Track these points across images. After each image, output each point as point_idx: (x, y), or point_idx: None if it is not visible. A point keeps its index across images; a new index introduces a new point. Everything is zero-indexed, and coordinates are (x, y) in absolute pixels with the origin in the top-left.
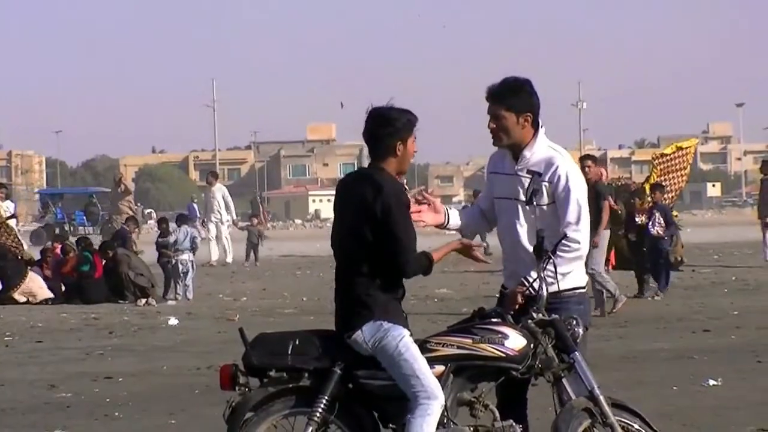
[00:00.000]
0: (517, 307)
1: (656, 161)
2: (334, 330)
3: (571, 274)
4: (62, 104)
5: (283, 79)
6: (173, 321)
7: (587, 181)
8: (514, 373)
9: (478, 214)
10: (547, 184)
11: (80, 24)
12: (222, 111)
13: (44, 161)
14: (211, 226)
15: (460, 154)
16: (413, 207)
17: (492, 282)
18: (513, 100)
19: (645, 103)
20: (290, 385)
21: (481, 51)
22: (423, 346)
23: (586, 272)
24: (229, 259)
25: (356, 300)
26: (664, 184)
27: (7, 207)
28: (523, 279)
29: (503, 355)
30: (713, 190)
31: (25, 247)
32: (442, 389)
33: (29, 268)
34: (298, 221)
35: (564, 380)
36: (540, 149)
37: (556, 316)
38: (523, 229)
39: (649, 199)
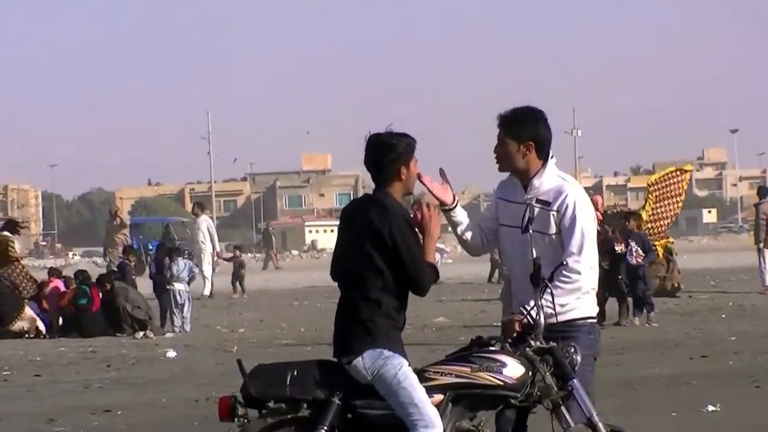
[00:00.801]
0: (515, 335)
1: (651, 188)
2: (332, 360)
3: (578, 304)
4: (57, 137)
5: (278, 110)
6: (171, 353)
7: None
8: (512, 401)
9: (477, 228)
10: (554, 213)
11: (73, 56)
12: (217, 142)
13: (40, 195)
14: (205, 258)
15: (455, 182)
16: (425, 177)
17: (489, 311)
18: (515, 127)
19: (640, 130)
20: (289, 416)
21: (475, 78)
22: (421, 375)
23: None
24: (206, 292)
25: (360, 325)
26: (660, 210)
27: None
28: (521, 308)
29: (502, 383)
30: (709, 216)
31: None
32: (441, 418)
33: (26, 301)
34: (295, 252)
35: (562, 407)
36: (549, 179)
37: (554, 344)
38: (531, 255)
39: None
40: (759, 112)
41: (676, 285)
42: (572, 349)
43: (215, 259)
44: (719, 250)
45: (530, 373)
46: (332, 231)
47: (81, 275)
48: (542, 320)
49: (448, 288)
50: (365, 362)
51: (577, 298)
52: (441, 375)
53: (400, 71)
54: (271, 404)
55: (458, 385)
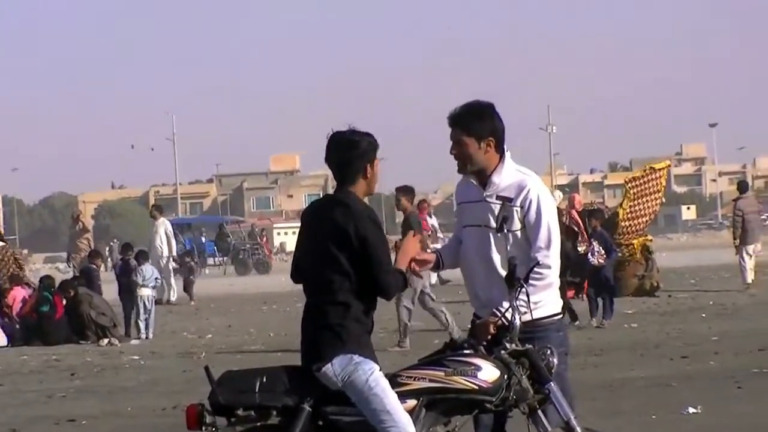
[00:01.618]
0: (489, 337)
1: (629, 185)
2: (302, 366)
3: (547, 300)
4: (18, 141)
5: (245, 110)
6: (137, 360)
7: (403, 212)
8: (488, 405)
9: (457, 246)
10: (518, 208)
11: (33, 57)
12: (182, 144)
13: (1, 200)
14: (164, 263)
15: (427, 182)
16: (417, 263)
17: (464, 312)
18: (474, 124)
19: (616, 126)
20: (258, 424)
21: (445, 74)
22: (394, 380)
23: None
24: (172, 298)
25: (328, 330)
26: (638, 208)
27: None
28: (494, 309)
29: (476, 387)
30: (688, 213)
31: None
32: (414, 424)
33: None
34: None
35: (539, 411)
36: (508, 174)
37: (530, 346)
38: (497, 257)
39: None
40: (738, 105)
41: (655, 284)
42: (548, 351)
43: (170, 264)
44: (699, 247)
45: (506, 376)
46: None
47: (45, 281)
48: (518, 322)
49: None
50: (335, 369)
51: (548, 293)
52: (414, 380)
53: (372, 69)
54: (240, 412)
55: (432, 390)
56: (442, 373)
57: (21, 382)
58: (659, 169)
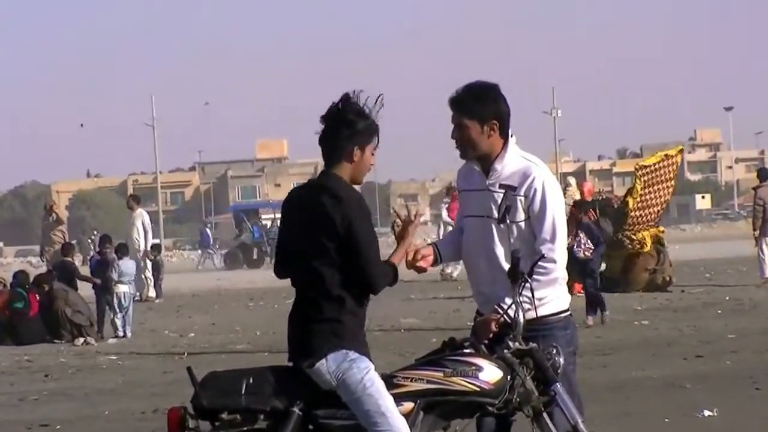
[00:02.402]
0: (491, 336)
1: (639, 172)
2: (291, 366)
3: (553, 296)
4: None
5: (229, 94)
6: (115, 361)
7: None
8: (490, 408)
9: (458, 237)
10: (522, 198)
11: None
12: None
13: None
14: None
15: (424, 170)
16: (420, 260)
17: (463, 310)
18: (477, 107)
19: (626, 110)
20: (245, 428)
21: (445, 56)
22: (389, 381)
23: None
24: (151, 294)
25: (324, 325)
26: (649, 197)
27: None
28: (496, 306)
29: (478, 388)
30: (702, 202)
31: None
32: (411, 428)
33: None
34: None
35: (545, 414)
36: (512, 160)
37: (534, 345)
38: (500, 250)
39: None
40: (756, 87)
41: (668, 278)
42: (554, 351)
43: (142, 257)
44: (714, 239)
45: (509, 377)
46: None
47: (19, 277)
48: (521, 319)
49: (417, 285)
50: (329, 365)
51: (554, 288)
52: (411, 381)
53: (364, 50)
54: (224, 416)
55: (430, 392)
56: (441, 374)
57: None
58: (672, 156)
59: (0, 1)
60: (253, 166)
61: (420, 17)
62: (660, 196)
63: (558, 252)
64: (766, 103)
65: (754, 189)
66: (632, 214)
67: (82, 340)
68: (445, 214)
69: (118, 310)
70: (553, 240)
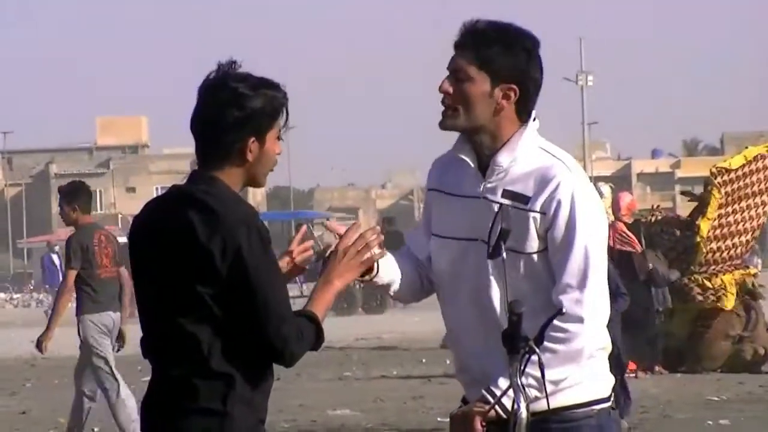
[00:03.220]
0: None
1: (718, 180)
2: None
3: (581, 377)
4: None
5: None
6: None
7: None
8: None
9: (408, 261)
10: (537, 216)
11: None
12: None
13: None
14: None
15: (371, 171)
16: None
17: (428, 395)
18: (494, 54)
19: (698, 83)
20: None
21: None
22: None
23: None
24: None
25: (198, 420)
26: (733, 218)
27: None
28: (484, 391)
29: None
30: None
31: None
32: None
33: None
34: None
35: None
36: (527, 154)
37: None
38: (498, 295)
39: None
40: None
41: (762, 351)
42: None
43: None
44: None
45: None
46: None
47: None
48: (523, 414)
49: (356, 354)
50: None
51: (580, 366)
52: None
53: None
54: None
55: None
56: None
57: None
58: None
59: None
60: (91, 158)
61: None
62: (751, 218)
63: (589, 306)
64: None
65: None
66: (706, 246)
67: None
68: None
69: None
70: (581, 286)
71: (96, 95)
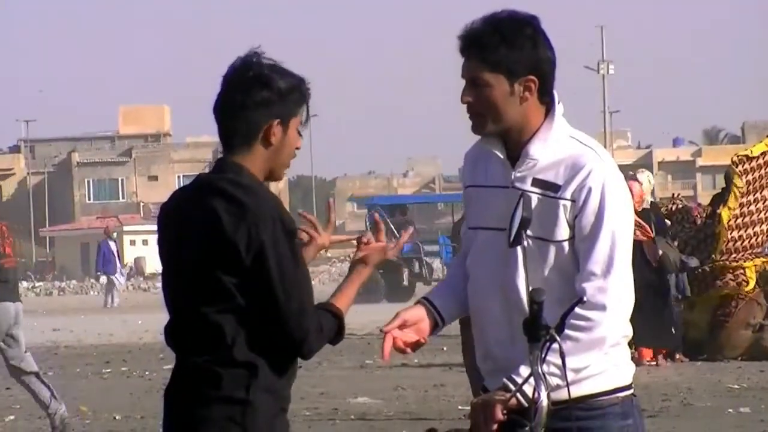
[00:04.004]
0: (495, 428)
1: (740, 168)
2: None
3: (604, 365)
4: None
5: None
6: None
7: None
8: None
9: (464, 272)
10: (567, 203)
11: None
12: None
13: None
14: None
15: (392, 159)
16: (392, 338)
17: (450, 384)
18: (505, 52)
19: (719, 71)
20: None
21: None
22: None
23: None
24: None
25: (222, 408)
26: (755, 208)
27: None
28: (505, 379)
29: None
30: None
31: None
32: None
33: None
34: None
35: None
36: (557, 143)
37: None
38: (523, 284)
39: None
40: None
41: None
42: None
43: None
44: None
45: None
46: None
47: None
48: (544, 402)
49: (378, 342)
50: None
51: (604, 354)
52: None
53: None
54: None
55: None
56: None
57: None
58: None
59: None
60: (113, 147)
61: None
62: None
63: (613, 295)
64: None
65: None
66: (728, 234)
67: None
68: None
69: None
70: (606, 274)
71: (119, 84)
